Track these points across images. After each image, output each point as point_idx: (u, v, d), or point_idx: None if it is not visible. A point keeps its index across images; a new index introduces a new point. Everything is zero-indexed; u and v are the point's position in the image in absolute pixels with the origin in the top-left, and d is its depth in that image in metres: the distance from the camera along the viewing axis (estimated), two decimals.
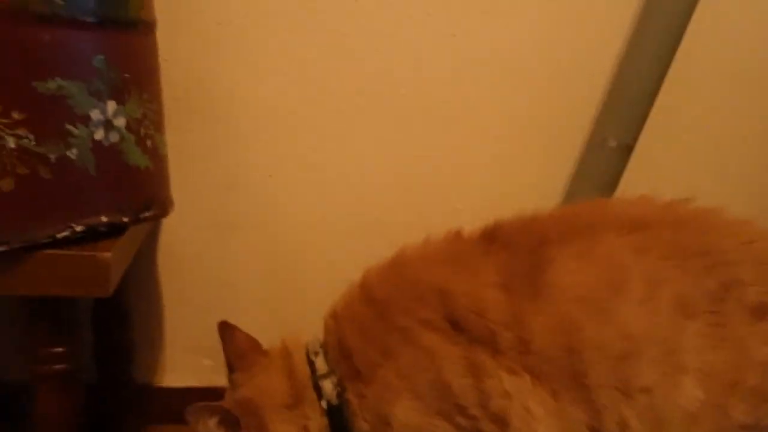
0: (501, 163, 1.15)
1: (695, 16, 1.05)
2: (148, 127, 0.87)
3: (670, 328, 0.69)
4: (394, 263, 0.81)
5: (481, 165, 1.15)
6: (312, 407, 0.80)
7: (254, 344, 0.89)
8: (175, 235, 1.17)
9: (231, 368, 0.89)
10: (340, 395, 0.79)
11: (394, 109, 1.11)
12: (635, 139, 1.10)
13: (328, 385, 0.80)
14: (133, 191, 0.86)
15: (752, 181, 1.10)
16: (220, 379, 0.92)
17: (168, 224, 1.16)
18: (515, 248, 0.75)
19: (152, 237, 1.17)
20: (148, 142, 0.87)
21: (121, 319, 1.13)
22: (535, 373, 0.71)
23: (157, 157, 0.91)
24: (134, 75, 0.84)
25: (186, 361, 1.23)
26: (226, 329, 0.89)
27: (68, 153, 0.77)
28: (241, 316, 0.97)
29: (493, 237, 0.78)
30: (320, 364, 0.81)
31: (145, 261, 1.18)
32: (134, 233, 0.90)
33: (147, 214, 0.88)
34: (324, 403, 0.79)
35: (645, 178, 1.11)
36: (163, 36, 0.93)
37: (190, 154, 1.11)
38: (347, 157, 1.14)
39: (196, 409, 0.77)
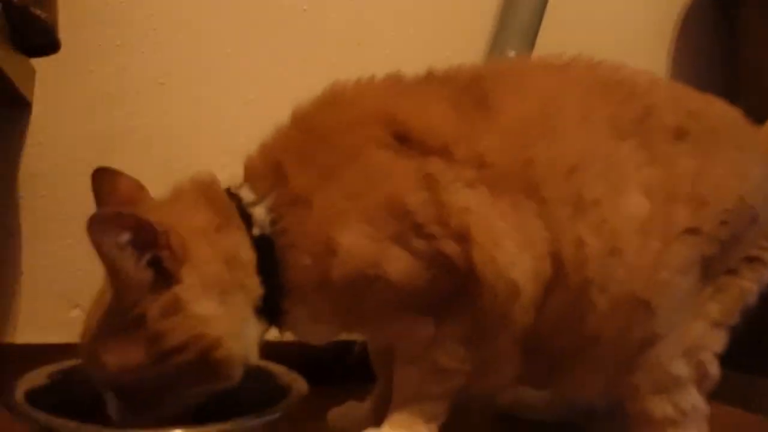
0: None
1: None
2: None
3: (609, 146, 0.71)
4: (327, 96, 0.74)
5: None
6: (241, 236, 0.67)
7: (145, 191, 0.72)
8: (45, 151, 1.05)
9: None
10: (274, 223, 0.68)
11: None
12: None
13: (260, 211, 0.68)
14: None
15: None
16: None
17: (37, 139, 1.05)
18: (454, 84, 0.75)
19: (14, 152, 1.04)
20: None
21: None
22: (492, 186, 0.68)
23: None
24: None
25: (47, 312, 1.03)
26: (105, 175, 0.70)
27: None
28: None
29: (429, 78, 0.76)
30: (246, 193, 0.70)
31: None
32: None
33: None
34: (257, 231, 0.67)
35: None
36: None
37: None
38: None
39: (102, 218, 0.60)
